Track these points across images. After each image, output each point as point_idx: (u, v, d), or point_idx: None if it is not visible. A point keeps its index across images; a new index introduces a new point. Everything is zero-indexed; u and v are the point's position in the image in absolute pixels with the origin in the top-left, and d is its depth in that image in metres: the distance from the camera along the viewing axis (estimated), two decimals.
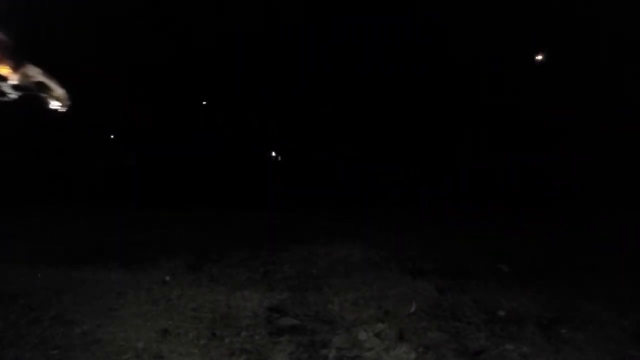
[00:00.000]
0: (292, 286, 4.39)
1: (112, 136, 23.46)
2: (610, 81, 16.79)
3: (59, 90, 2.82)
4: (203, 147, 21.93)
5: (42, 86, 2.76)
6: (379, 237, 6.57)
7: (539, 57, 20.81)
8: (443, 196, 13.08)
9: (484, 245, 6.25)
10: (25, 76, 2.73)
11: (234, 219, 8.42)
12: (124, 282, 4.39)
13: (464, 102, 21.54)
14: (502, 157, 17.96)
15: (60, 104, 2.87)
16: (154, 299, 3.94)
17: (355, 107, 24.44)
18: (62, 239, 6.30)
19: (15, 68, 2.69)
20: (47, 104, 2.84)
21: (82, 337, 3.19)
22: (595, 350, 3.11)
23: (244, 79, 25.22)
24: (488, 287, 4.44)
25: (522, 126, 18.99)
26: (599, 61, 17.29)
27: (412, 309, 3.76)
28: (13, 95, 2.69)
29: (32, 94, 2.76)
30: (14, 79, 2.70)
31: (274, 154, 28.14)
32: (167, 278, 4.55)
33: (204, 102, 28.28)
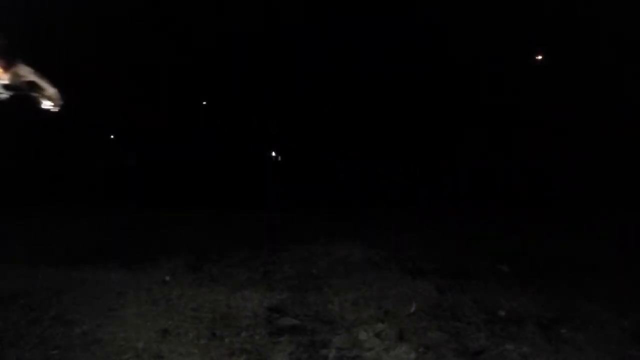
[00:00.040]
0: (292, 286, 4.39)
1: (112, 136, 23.47)
2: (610, 81, 16.79)
3: (50, 90, 2.79)
4: (203, 147, 21.94)
5: (33, 86, 2.73)
6: (379, 237, 6.56)
7: (539, 57, 20.81)
8: (443, 196, 13.08)
9: (484, 245, 6.24)
10: (16, 76, 2.70)
11: (234, 219, 8.42)
12: (124, 282, 4.39)
13: (464, 102, 21.55)
14: (502, 157, 17.97)
15: (53, 104, 2.84)
16: (154, 299, 3.94)
17: (355, 107, 24.45)
18: (62, 239, 6.30)
19: (6, 67, 2.67)
20: (39, 103, 2.81)
21: (82, 337, 3.19)
22: (595, 350, 3.11)
23: (244, 79, 25.23)
24: (488, 287, 4.44)
25: (522, 126, 19.00)
26: (599, 61, 17.29)
27: (412, 309, 3.76)
28: (4, 95, 2.67)
29: (24, 94, 2.74)
30: (4, 78, 2.68)
31: (274, 154, 28.16)
32: (167, 278, 4.55)
33: (204, 102, 28.29)
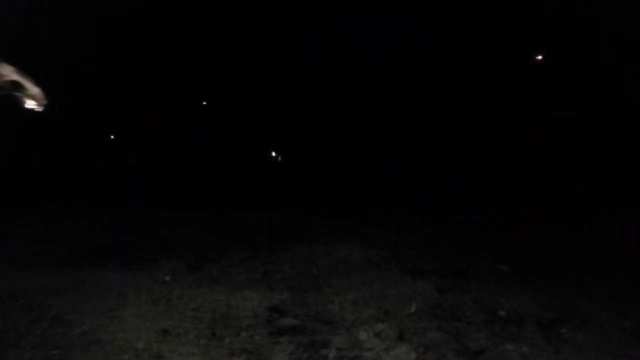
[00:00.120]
0: (292, 286, 4.39)
1: (112, 136, 23.48)
2: (610, 81, 16.79)
3: (34, 89, 2.75)
4: (203, 147, 21.94)
5: (16, 85, 2.69)
6: (379, 237, 6.56)
7: (539, 57, 20.81)
8: (443, 196, 13.09)
9: (484, 245, 6.25)
10: None
11: (234, 219, 8.42)
12: (124, 282, 4.39)
13: (464, 102, 21.55)
14: (502, 157, 17.98)
15: (36, 103, 2.80)
16: (154, 299, 3.94)
17: (355, 107, 24.46)
18: (62, 239, 6.30)
19: None
20: (22, 103, 2.77)
21: (82, 337, 3.19)
22: (595, 350, 3.11)
23: (244, 79, 25.23)
24: (488, 287, 4.44)
25: (522, 126, 19.01)
26: (599, 61, 17.29)
27: (412, 309, 3.76)
28: None
29: (6, 94, 2.70)
30: None
31: (274, 154, 28.16)
32: (167, 278, 4.55)
33: (204, 102, 28.28)
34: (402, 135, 22.38)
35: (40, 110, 2.80)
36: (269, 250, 5.72)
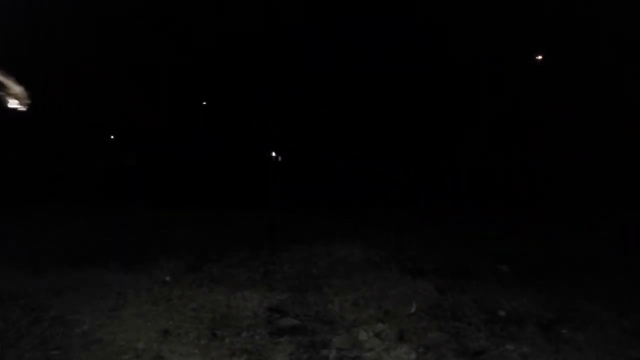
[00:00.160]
0: (292, 286, 4.39)
1: (112, 136, 23.46)
2: (610, 81, 16.79)
3: (16, 89, 2.75)
4: (203, 147, 21.92)
5: None
6: (379, 237, 6.57)
7: (539, 57, 20.81)
8: (443, 196, 13.09)
9: (484, 245, 6.25)
10: None
11: (234, 219, 8.42)
12: (124, 282, 4.39)
13: (464, 102, 21.55)
14: (502, 157, 17.98)
15: (19, 103, 2.80)
16: (154, 299, 3.94)
17: (355, 107, 24.45)
18: (62, 239, 6.30)
19: None
20: (5, 102, 2.77)
21: (83, 337, 3.19)
22: (595, 350, 3.12)
23: (244, 79, 25.23)
24: (488, 287, 4.44)
25: (522, 126, 19.00)
26: (599, 61, 17.29)
27: (412, 309, 3.76)
28: None
29: None
30: None
31: (274, 154, 28.15)
32: (168, 278, 4.55)
33: (204, 102, 28.28)
34: (402, 135, 22.38)
35: (24, 109, 2.80)
36: (269, 250, 5.72)
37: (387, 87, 23.63)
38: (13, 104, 2.77)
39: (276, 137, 26.76)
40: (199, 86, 26.07)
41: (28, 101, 2.81)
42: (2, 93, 2.71)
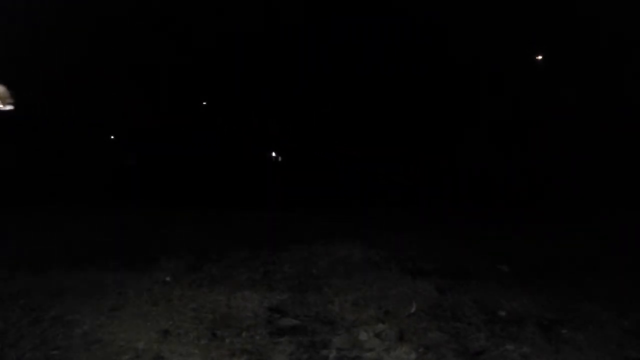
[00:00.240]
0: (292, 286, 4.39)
1: (112, 136, 23.47)
2: (610, 81, 16.79)
3: None
4: (203, 147, 21.92)
5: None
6: (379, 237, 6.57)
7: (539, 57, 20.81)
8: (443, 196, 13.08)
9: (484, 245, 6.25)
10: None
11: (234, 219, 8.42)
12: (124, 282, 4.39)
13: (464, 102, 21.54)
14: (502, 157, 17.98)
15: (1, 103, 2.79)
16: (154, 299, 3.94)
17: (355, 107, 24.45)
18: (62, 239, 6.30)
19: None
20: None
21: (83, 337, 3.19)
22: (595, 350, 3.12)
23: (244, 79, 25.22)
24: (488, 287, 4.44)
25: (522, 126, 19.00)
26: (599, 61, 17.29)
27: (412, 309, 3.77)
28: None
29: None
30: None
31: (274, 154, 28.14)
32: (168, 278, 4.55)
33: (204, 102, 28.28)
34: (402, 135, 22.36)
35: (6, 109, 2.79)
36: (269, 250, 5.72)
37: (387, 87, 23.63)
38: None
39: (276, 137, 26.75)
40: (199, 86, 26.06)
41: (11, 100, 2.80)
42: None
